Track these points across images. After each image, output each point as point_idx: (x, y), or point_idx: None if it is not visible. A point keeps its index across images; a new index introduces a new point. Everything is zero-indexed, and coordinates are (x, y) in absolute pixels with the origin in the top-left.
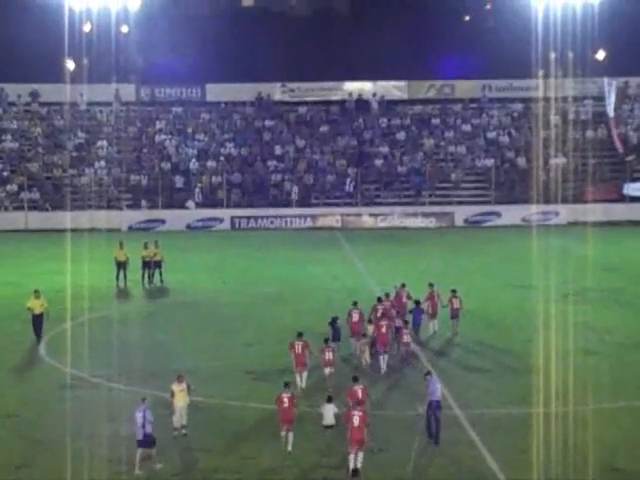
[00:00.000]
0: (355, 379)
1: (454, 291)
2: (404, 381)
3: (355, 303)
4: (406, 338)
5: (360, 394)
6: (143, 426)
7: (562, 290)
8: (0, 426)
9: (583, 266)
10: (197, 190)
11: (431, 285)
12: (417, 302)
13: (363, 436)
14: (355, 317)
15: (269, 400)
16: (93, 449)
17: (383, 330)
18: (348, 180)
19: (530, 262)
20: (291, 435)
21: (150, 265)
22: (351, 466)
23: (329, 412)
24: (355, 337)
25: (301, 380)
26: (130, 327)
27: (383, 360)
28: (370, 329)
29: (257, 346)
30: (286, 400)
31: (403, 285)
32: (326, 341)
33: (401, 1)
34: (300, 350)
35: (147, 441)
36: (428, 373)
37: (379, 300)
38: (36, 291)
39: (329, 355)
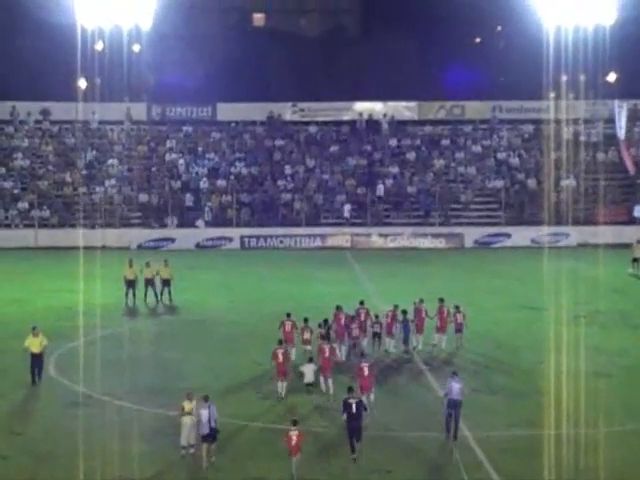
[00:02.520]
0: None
1: (457, 307)
2: (411, 401)
3: (339, 307)
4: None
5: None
6: (209, 421)
7: (572, 312)
8: (8, 443)
9: (593, 288)
10: (207, 209)
11: (441, 300)
12: (404, 312)
13: (370, 384)
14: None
15: (277, 419)
16: (100, 466)
17: (326, 354)
18: (346, 207)
19: (540, 283)
20: (285, 384)
21: (152, 283)
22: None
23: (309, 370)
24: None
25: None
26: (139, 345)
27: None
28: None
29: (265, 365)
30: (280, 356)
31: (422, 300)
32: (306, 320)
33: (412, 22)
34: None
35: (212, 435)
36: (454, 373)
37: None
38: (34, 328)
39: (307, 335)
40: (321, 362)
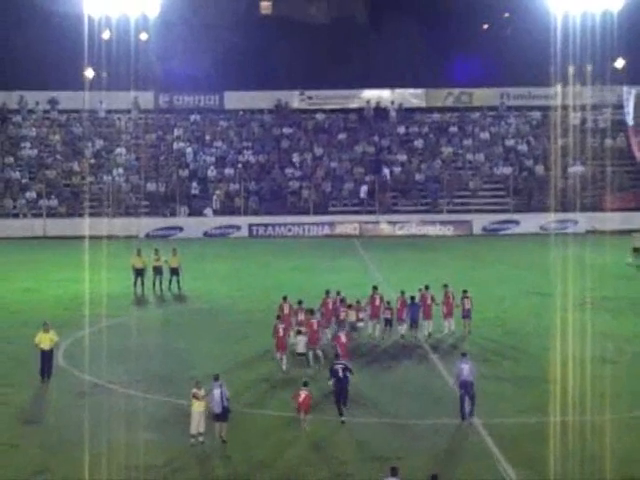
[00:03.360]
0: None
1: (465, 292)
2: (419, 388)
3: (328, 292)
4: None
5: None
6: (221, 400)
7: (580, 298)
8: (18, 432)
9: (601, 275)
10: (215, 198)
11: (445, 286)
12: (412, 298)
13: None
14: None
15: (286, 408)
16: (110, 455)
17: (314, 328)
18: (363, 188)
19: (548, 270)
20: (285, 357)
21: (160, 272)
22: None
23: (300, 342)
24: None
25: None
26: (147, 334)
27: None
28: (350, 313)
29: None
30: (281, 331)
31: (427, 287)
32: (300, 303)
33: (420, 9)
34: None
35: (224, 414)
36: (463, 354)
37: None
38: (45, 324)
39: (301, 316)
40: (309, 335)
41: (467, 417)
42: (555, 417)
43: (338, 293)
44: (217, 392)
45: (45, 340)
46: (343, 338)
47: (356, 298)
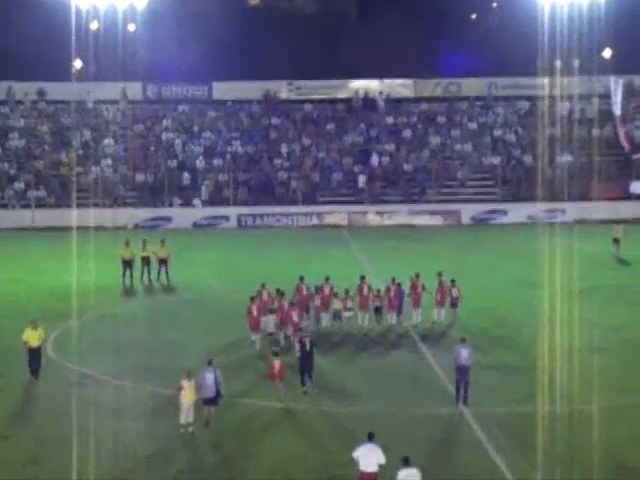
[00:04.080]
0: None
1: (453, 281)
2: (408, 377)
3: (327, 278)
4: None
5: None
6: (215, 384)
7: (568, 288)
8: (8, 423)
9: (589, 264)
10: (204, 188)
11: (440, 274)
12: (399, 284)
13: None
14: (327, 291)
15: (275, 397)
16: (100, 445)
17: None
18: (361, 178)
19: (537, 260)
20: (259, 337)
21: (148, 262)
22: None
23: (270, 322)
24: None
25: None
26: (136, 325)
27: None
28: (336, 302)
29: (263, 342)
30: (254, 311)
31: (417, 275)
32: (278, 291)
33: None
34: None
35: (216, 399)
36: (462, 339)
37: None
38: (33, 321)
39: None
40: (279, 316)
41: (461, 402)
42: (545, 406)
43: (327, 279)
44: (210, 376)
45: (33, 338)
46: (277, 366)
47: (345, 288)
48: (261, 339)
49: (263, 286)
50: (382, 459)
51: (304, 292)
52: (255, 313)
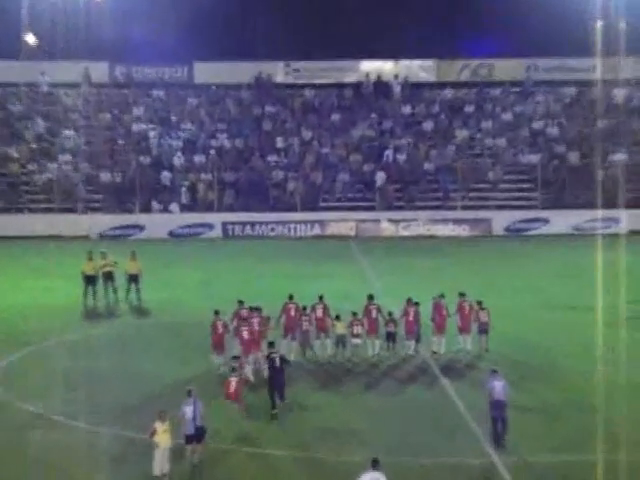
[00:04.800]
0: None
1: (480, 303)
2: (427, 420)
3: (321, 297)
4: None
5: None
6: (194, 419)
7: (622, 313)
8: None
9: None
10: (183, 190)
11: (462, 295)
12: (416, 304)
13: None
14: (319, 312)
15: (267, 443)
16: None
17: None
18: (379, 176)
19: (583, 279)
20: (222, 358)
21: (110, 277)
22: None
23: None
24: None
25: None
26: (101, 354)
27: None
28: (339, 325)
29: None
30: (220, 327)
31: (442, 296)
32: (251, 309)
33: None
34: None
35: (198, 435)
36: (494, 371)
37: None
38: None
39: (256, 326)
40: (248, 336)
41: (501, 442)
42: (592, 455)
43: (321, 298)
44: (189, 409)
45: None
46: (233, 384)
47: (352, 311)
48: (225, 363)
49: (240, 303)
50: None
51: (292, 313)
52: (221, 329)
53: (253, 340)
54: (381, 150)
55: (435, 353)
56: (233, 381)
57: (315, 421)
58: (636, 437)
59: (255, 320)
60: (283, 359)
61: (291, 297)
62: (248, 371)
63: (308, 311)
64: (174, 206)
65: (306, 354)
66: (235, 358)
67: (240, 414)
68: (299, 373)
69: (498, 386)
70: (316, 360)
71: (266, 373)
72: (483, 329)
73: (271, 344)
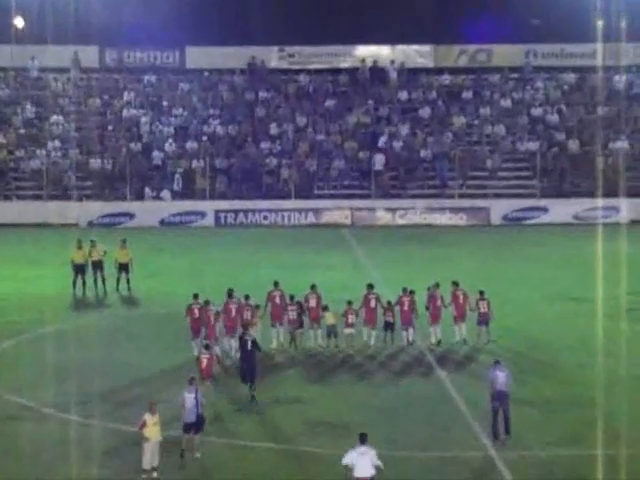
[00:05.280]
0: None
1: (482, 293)
2: (424, 414)
3: (313, 287)
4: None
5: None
6: (196, 406)
7: (623, 304)
8: None
9: None
10: (177, 177)
11: (455, 284)
12: (411, 292)
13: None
14: (312, 302)
15: (259, 437)
16: None
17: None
18: (378, 159)
19: (583, 269)
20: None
21: (99, 267)
22: None
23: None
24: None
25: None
26: (90, 345)
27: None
28: (327, 316)
29: None
30: (196, 311)
31: (437, 285)
32: (247, 298)
33: None
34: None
35: (199, 424)
36: (496, 361)
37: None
38: None
39: (247, 314)
40: (225, 321)
41: (501, 435)
42: (592, 450)
43: (313, 287)
44: (190, 397)
45: None
46: (205, 362)
47: (347, 300)
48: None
49: (230, 295)
50: (378, 461)
51: (277, 301)
52: (197, 314)
53: (233, 326)
54: (377, 137)
55: (433, 344)
56: (204, 359)
57: (308, 414)
58: (636, 431)
59: (232, 307)
60: (255, 343)
61: (276, 284)
62: (218, 350)
63: (302, 301)
64: (165, 193)
65: (292, 344)
66: (206, 346)
67: (209, 393)
68: (290, 364)
69: (501, 376)
70: (304, 350)
71: (238, 355)
72: (483, 320)
73: (244, 326)
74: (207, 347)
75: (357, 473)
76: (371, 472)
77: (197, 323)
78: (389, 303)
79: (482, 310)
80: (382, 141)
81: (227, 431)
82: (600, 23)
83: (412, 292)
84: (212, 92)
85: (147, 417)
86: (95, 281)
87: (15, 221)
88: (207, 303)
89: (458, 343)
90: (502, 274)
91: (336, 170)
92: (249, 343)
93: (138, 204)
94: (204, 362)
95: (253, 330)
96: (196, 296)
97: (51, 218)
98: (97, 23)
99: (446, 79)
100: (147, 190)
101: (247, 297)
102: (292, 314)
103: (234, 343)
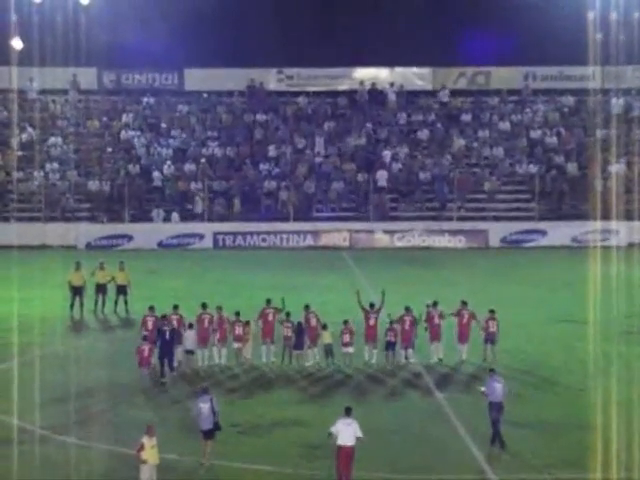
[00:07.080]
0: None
1: (492, 312)
2: (421, 436)
3: (307, 307)
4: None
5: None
6: (213, 414)
7: (623, 327)
8: None
9: None
10: (197, 199)
11: (464, 303)
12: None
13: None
14: (313, 322)
15: (258, 459)
16: None
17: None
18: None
19: (583, 292)
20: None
21: (104, 290)
22: None
23: (189, 337)
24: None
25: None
26: (87, 367)
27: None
28: (325, 335)
29: (242, 392)
30: (206, 322)
31: (435, 304)
32: (237, 314)
33: None
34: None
35: (213, 431)
36: (491, 370)
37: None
38: None
39: (239, 330)
40: (199, 332)
41: (497, 447)
42: (592, 473)
43: (307, 307)
44: (206, 406)
45: None
46: (146, 351)
47: (344, 319)
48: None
49: (219, 309)
50: (360, 433)
51: (270, 318)
52: (207, 323)
53: (206, 336)
54: (376, 160)
55: (434, 362)
56: (146, 349)
57: (304, 436)
58: (636, 455)
59: (205, 318)
60: (173, 331)
61: (268, 302)
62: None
63: (303, 321)
64: (175, 216)
65: (284, 360)
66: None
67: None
68: (288, 384)
69: (498, 388)
70: (303, 369)
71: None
72: (490, 339)
73: (164, 317)
74: (145, 338)
75: (340, 441)
76: (352, 441)
77: (205, 333)
78: (391, 322)
79: (491, 330)
80: (386, 155)
81: (226, 453)
82: (599, 46)
83: (407, 309)
84: (211, 114)
85: (145, 440)
86: (96, 302)
87: (13, 243)
88: (220, 309)
89: (458, 363)
90: (500, 296)
91: (335, 192)
92: (167, 333)
93: (136, 226)
94: (145, 351)
95: (246, 346)
96: (204, 306)
97: (49, 240)
98: (95, 45)
99: (445, 101)
100: (155, 212)
101: (237, 314)
102: (287, 331)
103: (207, 353)
